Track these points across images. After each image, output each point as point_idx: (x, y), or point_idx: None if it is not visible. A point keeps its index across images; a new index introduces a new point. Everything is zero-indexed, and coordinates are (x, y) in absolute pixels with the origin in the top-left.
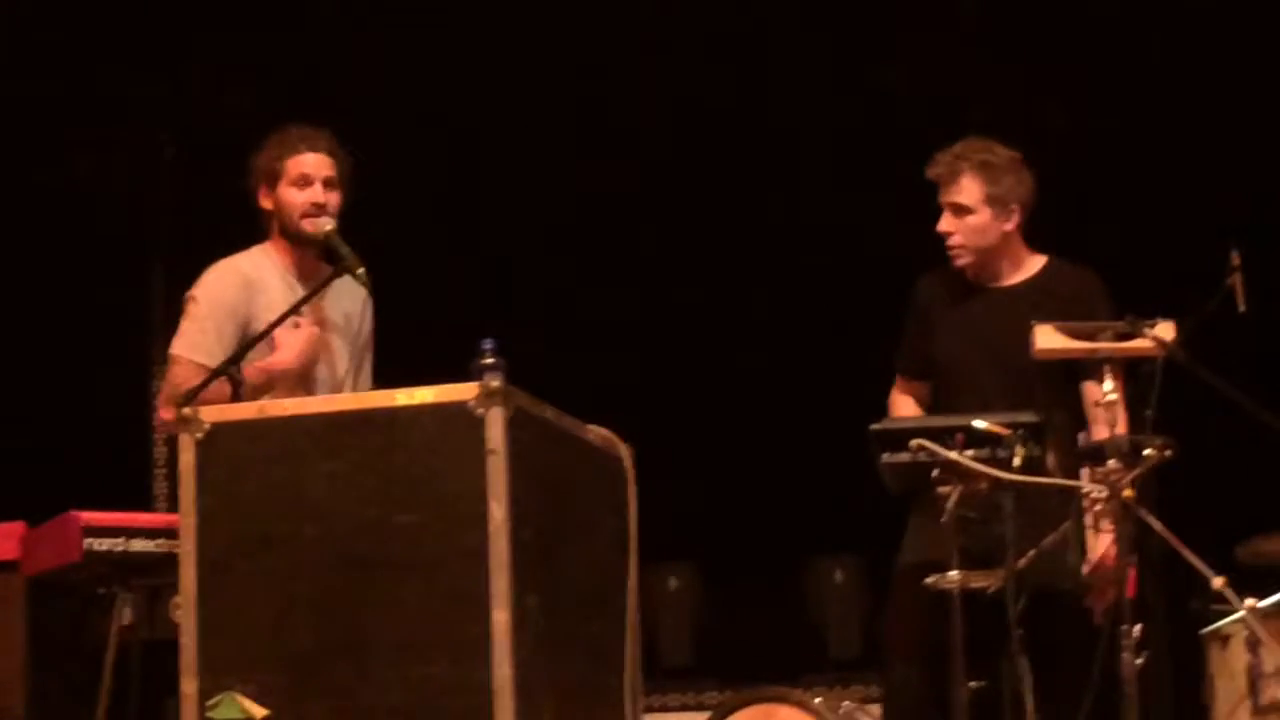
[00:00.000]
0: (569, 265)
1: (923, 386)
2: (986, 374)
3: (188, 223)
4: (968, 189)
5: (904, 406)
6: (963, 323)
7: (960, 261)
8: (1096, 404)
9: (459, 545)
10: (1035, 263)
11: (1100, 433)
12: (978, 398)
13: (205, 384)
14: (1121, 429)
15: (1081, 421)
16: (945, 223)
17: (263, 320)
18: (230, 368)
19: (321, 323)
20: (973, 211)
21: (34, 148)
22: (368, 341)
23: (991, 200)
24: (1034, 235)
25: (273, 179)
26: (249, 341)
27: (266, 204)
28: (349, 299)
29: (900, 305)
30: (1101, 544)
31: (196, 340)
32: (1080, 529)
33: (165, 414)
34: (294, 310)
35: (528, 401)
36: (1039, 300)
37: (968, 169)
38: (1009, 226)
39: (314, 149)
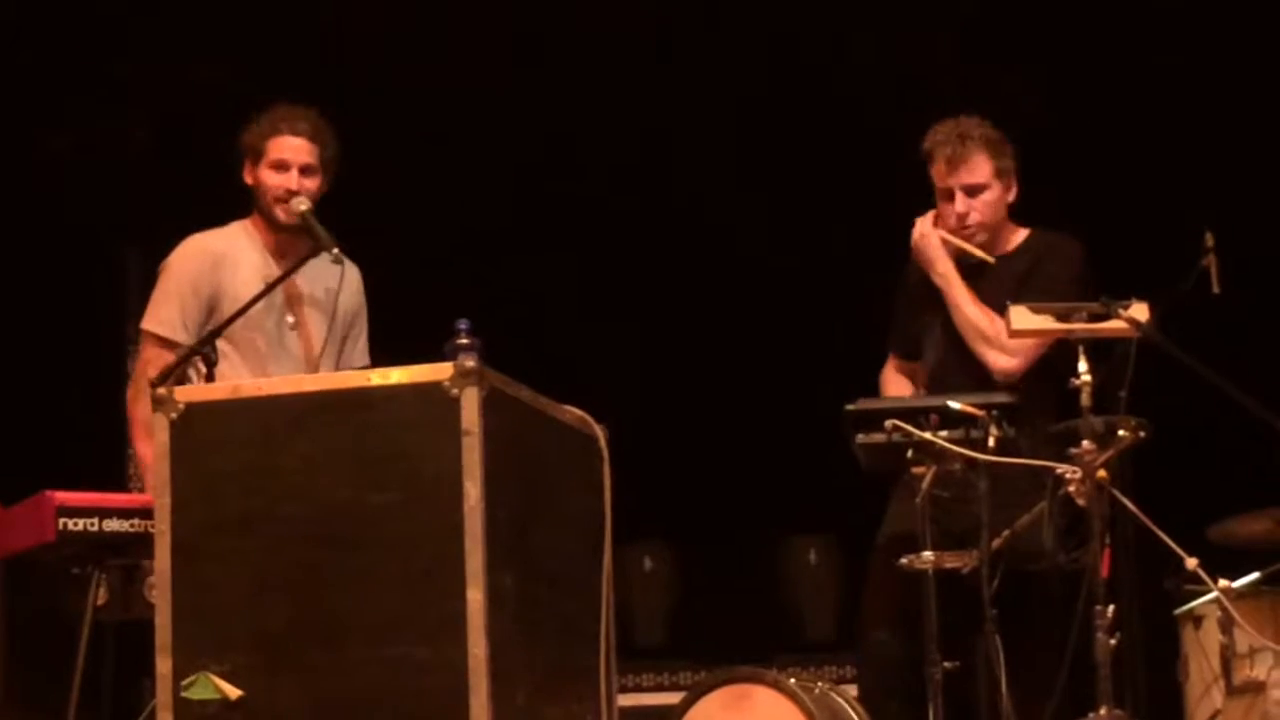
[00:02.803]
0: (545, 245)
1: (914, 366)
2: (962, 346)
3: (162, 202)
4: (979, 167)
5: (896, 386)
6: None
7: (977, 239)
8: (1072, 383)
9: (434, 525)
10: (1019, 235)
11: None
12: (966, 375)
13: (177, 365)
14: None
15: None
16: (962, 204)
17: (230, 295)
18: (204, 348)
19: (296, 299)
20: (986, 188)
21: (5, 128)
22: (356, 315)
23: (999, 173)
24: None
25: (255, 157)
26: (221, 322)
27: (249, 180)
28: (330, 275)
29: (877, 286)
30: None
31: (160, 315)
32: (1053, 509)
33: (134, 404)
34: (267, 291)
35: (502, 382)
36: (1023, 272)
37: (975, 146)
38: (1010, 198)
39: (295, 132)
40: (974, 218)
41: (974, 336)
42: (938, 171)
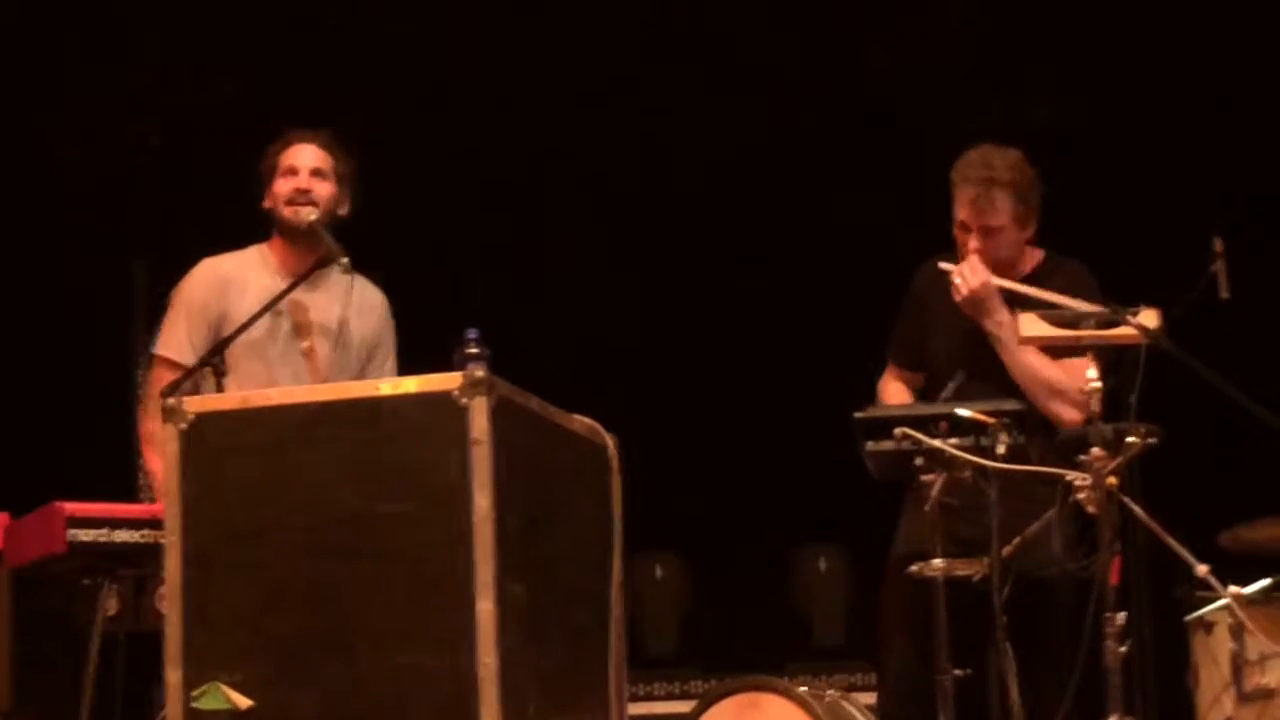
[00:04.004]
0: (556, 254)
1: (915, 376)
2: (985, 369)
3: (171, 214)
4: (1001, 211)
5: (895, 395)
6: (961, 316)
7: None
8: (1082, 391)
9: (443, 535)
10: (1034, 257)
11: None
12: (974, 392)
13: (186, 376)
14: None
15: None
16: (975, 243)
17: (236, 318)
18: (213, 359)
19: (306, 325)
20: (1003, 231)
21: (18, 137)
22: (378, 340)
23: (1018, 217)
24: None
25: (270, 176)
26: (227, 335)
27: (268, 203)
28: (342, 303)
29: (886, 294)
30: None
31: (169, 338)
32: (1063, 517)
33: (145, 423)
34: (272, 305)
35: (512, 391)
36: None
37: (1000, 192)
38: (1028, 235)
39: (305, 141)
40: (986, 257)
41: (1041, 389)
42: (960, 205)
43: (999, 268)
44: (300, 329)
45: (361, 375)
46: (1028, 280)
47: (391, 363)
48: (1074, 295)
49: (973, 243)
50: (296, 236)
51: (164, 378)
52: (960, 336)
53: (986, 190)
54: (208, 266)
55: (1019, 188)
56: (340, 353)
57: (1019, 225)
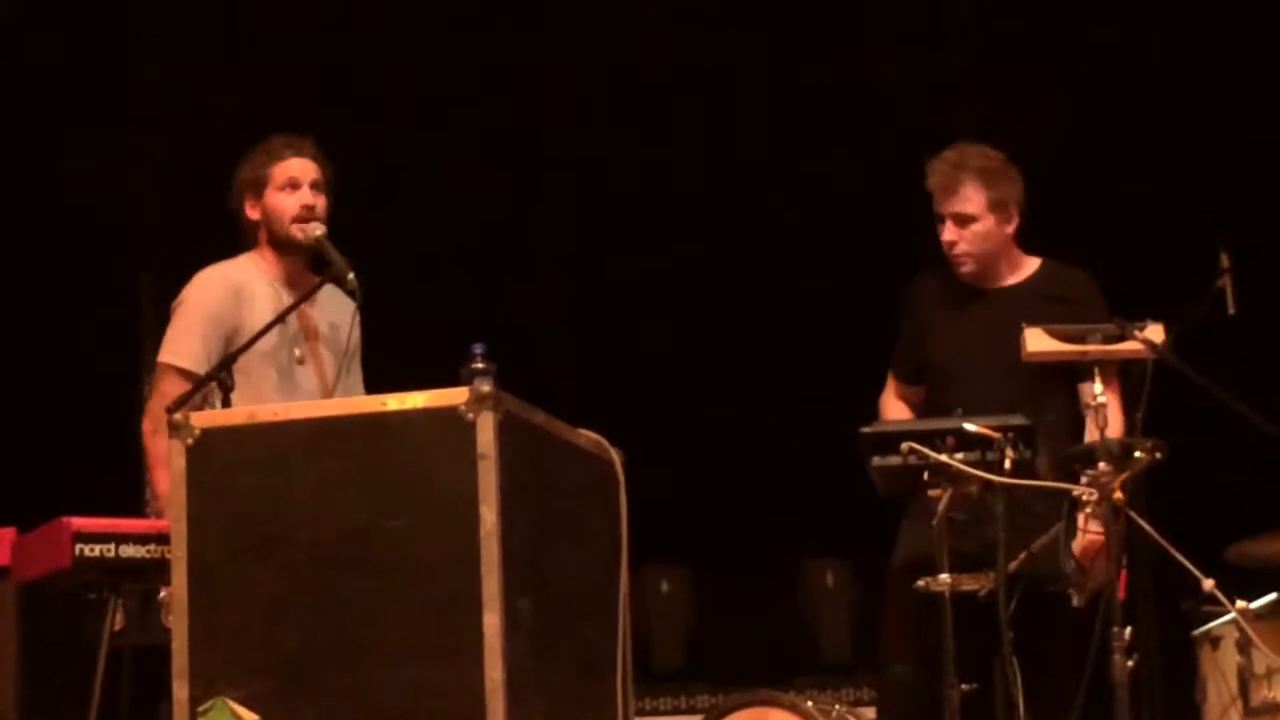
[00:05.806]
0: (559, 269)
1: (916, 391)
2: (983, 377)
3: (178, 226)
4: (971, 198)
5: (895, 411)
6: (960, 325)
7: (965, 269)
8: (1087, 406)
9: (450, 549)
10: (1030, 264)
11: (1091, 434)
12: (973, 401)
13: (194, 391)
14: (1117, 430)
15: (1083, 424)
16: (949, 233)
17: (249, 328)
18: (220, 374)
19: (309, 331)
20: (976, 219)
21: (25, 149)
22: (355, 351)
23: (994, 205)
24: (1023, 236)
25: (259, 187)
26: (237, 349)
27: (254, 214)
28: (336, 309)
29: (893, 308)
30: (1083, 544)
31: (182, 348)
32: (1070, 531)
33: (151, 437)
34: (281, 318)
35: (518, 406)
36: (1036, 302)
37: (968, 177)
38: (1010, 229)
39: (300, 154)
40: (961, 247)
41: None
42: (933, 197)
43: (983, 269)
44: (306, 334)
45: (348, 378)
46: (1023, 286)
47: (358, 366)
48: (1079, 305)
49: (946, 234)
50: (292, 249)
51: (176, 388)
52: (958, 343)
53: (953, 174)
54: (215, 275)
55: (989, 174)
56: (341, 355)
57: (996, 217)
